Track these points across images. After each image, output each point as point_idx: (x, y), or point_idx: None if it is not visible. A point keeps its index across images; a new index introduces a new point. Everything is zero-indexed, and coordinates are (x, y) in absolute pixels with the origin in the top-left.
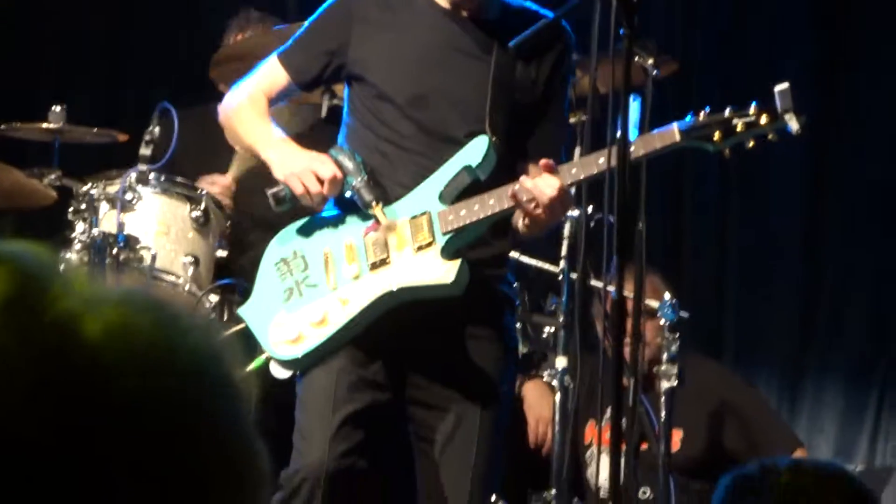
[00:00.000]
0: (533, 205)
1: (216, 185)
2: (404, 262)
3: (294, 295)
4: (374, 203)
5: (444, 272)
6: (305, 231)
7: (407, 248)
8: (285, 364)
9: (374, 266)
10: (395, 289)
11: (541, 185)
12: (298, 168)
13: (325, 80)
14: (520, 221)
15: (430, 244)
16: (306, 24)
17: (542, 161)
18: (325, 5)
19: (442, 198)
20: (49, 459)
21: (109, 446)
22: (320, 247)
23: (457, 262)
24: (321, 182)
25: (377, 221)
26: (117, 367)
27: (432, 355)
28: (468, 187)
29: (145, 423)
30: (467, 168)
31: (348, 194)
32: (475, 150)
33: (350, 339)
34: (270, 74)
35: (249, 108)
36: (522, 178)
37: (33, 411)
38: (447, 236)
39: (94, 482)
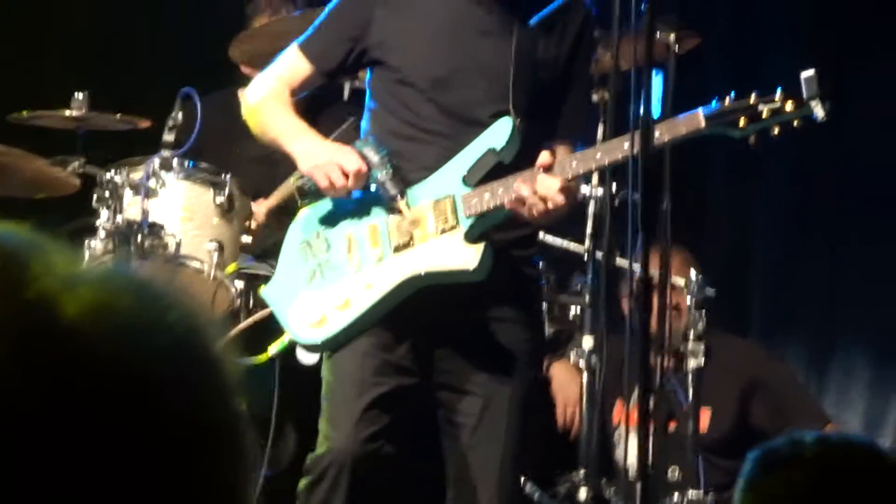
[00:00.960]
0: (532, 208)
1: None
2: (428, 245)
3: (317, 276)
4: (398, 197)
5: (467, 257)
6: (329, 213)
7: (430, 231)
8: (308, 347)
9: (397, 249)
10: (418, 272)
11: (540, 190)
12: (323, 161)
13: (348, 67)
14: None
15: (453, 227)
16: (325, 10)
17: (540, 160)
18: None
19: (466, 181)
20: (28, 433)
21: (87, 420)
22: (343, 229)
23: (480, 246)
24: (346, 175)
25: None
26: (95, 345)
27: (459, 338)
28: (492, 170)
29: (124, 398)
30: (491, 150)
31: (373, 188)
32: (499, 133)
33: (374, 322)
34: (292, 65)
35: (272, 99)
36: (518, 185)
37: (10, 386)
38: (471, 220)
39: (74, 454)
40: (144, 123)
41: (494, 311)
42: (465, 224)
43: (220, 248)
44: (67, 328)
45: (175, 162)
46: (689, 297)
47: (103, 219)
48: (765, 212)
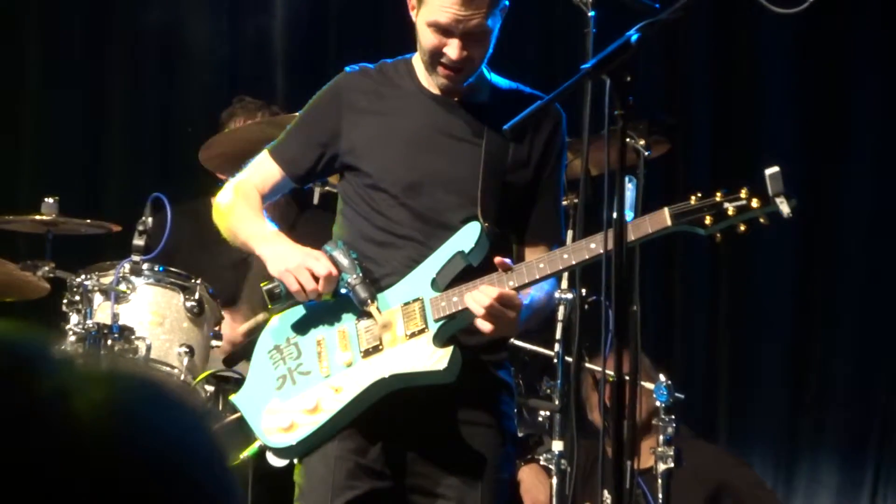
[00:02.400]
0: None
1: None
2: (397, 349)
3: (287, 382)
4: (369, 301)
5: (436, 359)
6: (299, 319)
7: (399, 335)
8: (279, 452)
9: (366, 353)
10: (387, 376)
11: (476, 296)
12: (293, 264)
13: (318, 172)
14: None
15: (422, 331)
16: (298, 116)
17: (496, 259)
18: (314, 97)
19: (435, 284)
20: None
21: None
22: (313, 334)
23: (449, 349)
24: (316, 279)
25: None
26: (103, 443)
27: (431, 442)
28: (461, 273)
29: (134, 494)
30: (460, 254)
31: (343, 291)
32: (467, 236)
33: (345, 426)
34: (263, 169)
35: (243, 203)
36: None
37: (21, 482)
38: (439, 323)
39: None
40: (115, 228)
41: (466, 415)
42: (433, 327)
43: (191, 352)
44: (78, 426)
45: (145, 266)
46: (657, 402)
47: (73, 322)
48: (728, 316)
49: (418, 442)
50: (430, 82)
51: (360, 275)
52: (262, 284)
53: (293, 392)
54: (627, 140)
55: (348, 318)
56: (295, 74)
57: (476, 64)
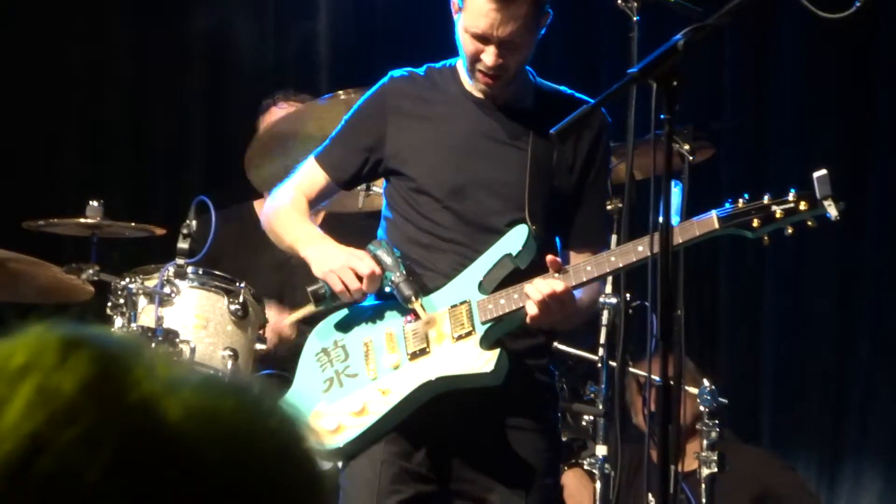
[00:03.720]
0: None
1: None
2: (444, 351)
3: (334, 385)
4: (413, 298)
5: (483, 362)
6: (346, 321)
7: (446, 337)
8: (325, 454)
9: (413, 356)
10: (434, 378)
11: (538, 284)
12: (337, 265)
13: (364, 176)
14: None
15: (469, 333)
16: (342, 121)
17: (549, 258)
18: (359, 101)
19: (482, 287)
20: None
21: None
22: (360, 337)
23: (496, 352)
24: (360, 278)
25: (417, 315)
26: (198, 448)
27: (476, 447)
28: (508, 276)
29: (225, 502)
30: (508, 256)
31: (388, 289)
32: (515, 239)
33: (391, 429)
34: (309, 175)
35: (289, 209)
36: (528, 288)
37: (115, 488)
38: (486, 325)
39: None
40: (159, 231)
41: (511, 420)
42: (480, 330)
43: (235, 355)
44: (170, 432)
45: (189, 270)
46: (701, 406)
47: (117, 326)
48: (773, 320)
49: (463, 446)
50: (474, 87)
51: (404, 272)
52: (308, 287)
53: (340, 394)
54: (673, 145)
55: (395, 321)
56: (341, 80)
57: (511, 72)
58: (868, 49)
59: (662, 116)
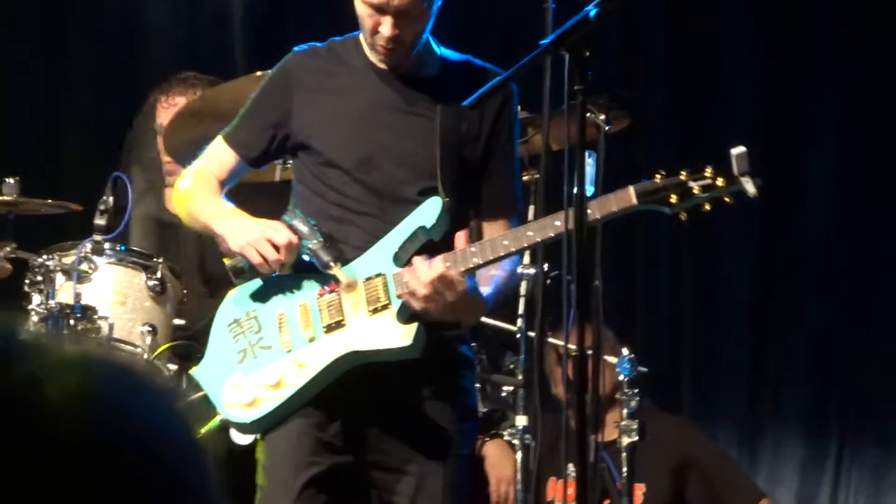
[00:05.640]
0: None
1: None
2: (360, 324)
3: (248, 357)
4: (332, 263)
5: (399, 336)
6: (259, 292)
7: (362, 310)
8: (241, 427)
9: (329, 328)
10: (350, 351)
11: (417, 273)
12: (253, 237)
13: (272, 153)
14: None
15: (385, 307)
16: (248, 100)
17: (457, 236)
18: (264, 80)
19: (397, 259)
20: None
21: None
22: (274, 308)
23: (413, 326)
24: (277, 249)
25: (334, 282)
26: (77, 429)
27: (392, 417)
28: (423, 248)
29: (106, 482)
30: (422, 229)
31: (306, 258)
32: (429, 211)
33: (308, 402)
34: (218, 155)
35: (199, 187)
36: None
37: None
38: (402, 299)
39: None
40: (76, 207)
41: (427, 391)
42: (396, 303)
43: (154, 331)
44: (50, 412)
45: (107, 246)
46: (621, 375)
47: (35, 303)
48: (691, 289)
49: (378, 417)
50: (375, 57)
51: (321, 239)
52: (224, 260)
53: (255, 366)
54: (587, 115)
55: (309, 293)
56: (253, 56)
57: (409, 43)
58: (787, 17)
59: (575, 87)
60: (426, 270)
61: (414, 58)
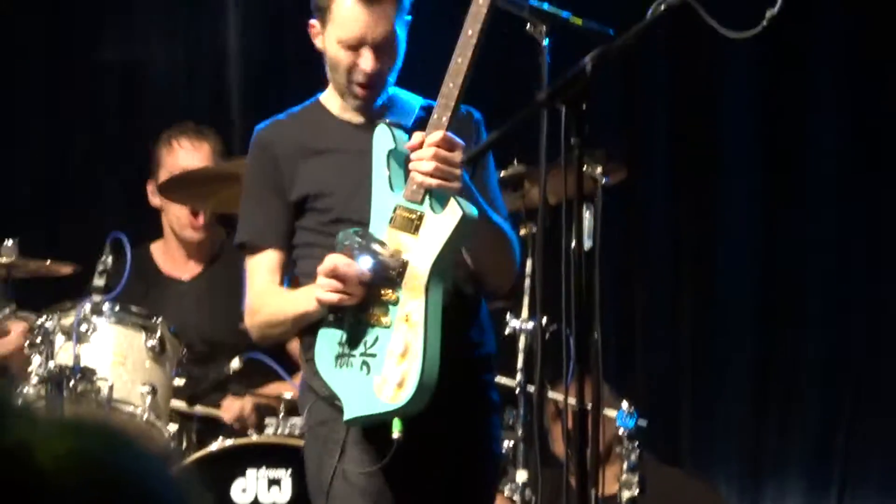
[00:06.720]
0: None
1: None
2: (418, 246)
3: (370, 363)
4: (379, 247)
5: (449, 216)
6: (325, 324)
7: (409, 240)
8: (410, 405)
9: (400, 276)
10: (431, 266)
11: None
12: (317, 291)
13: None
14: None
15: (421, 217)
16: (244, 199)
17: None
18: (247, 171)
19: (393, 188)
20: None
21: None
22: (355, 317)
23: (450, 201)
24: (340, 279)
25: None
26: (68, 494)
27: (424, 460)
28: (404, 167)
29: None
30: (390, 152)
31: (369, 264)
32: (382, 139)
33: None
34: (258, 267)
35: (267, 303)
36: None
37: None
38: (426, 200)
39: None
40: (74, 269)
41: (463, 437)
42: (425, 206)
43: (153, 392)
44: (42, 477)
45: (106, 306)
46: (620, 428)
47: (35, 364)
48: (691, 341)
49: (418, 462)
50: (347, 115)
51: (358, 240)
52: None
53: (380, 362)
54: (584, 168)
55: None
56: (251, 109)
57: (385, 78)
58: (785, 63)
59: (572, 140)
60: (419, 151)
61: (385, 106)
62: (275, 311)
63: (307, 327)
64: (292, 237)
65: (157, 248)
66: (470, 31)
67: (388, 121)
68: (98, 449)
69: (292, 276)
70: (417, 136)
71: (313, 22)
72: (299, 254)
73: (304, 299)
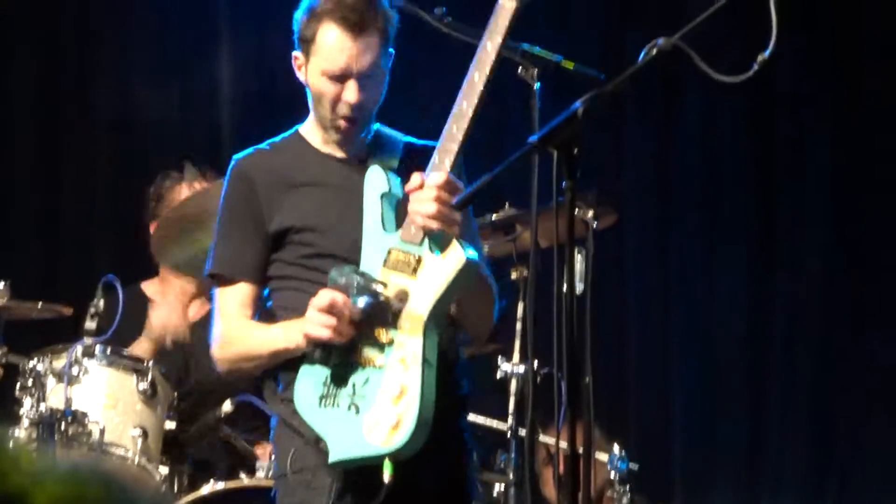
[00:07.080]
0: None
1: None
2: (417, 287)
3: (358, 404)
4: (380, 288)
5: (452, 260)
6: (308, 362)
7: (408, 281)
8: (405, 449)
9: (395, 318)
10: (430, 310)
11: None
12: (307, 326)
13: (266, 261)
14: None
15: (418, 260)
16: (217, 228)
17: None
18: (223, 199)
19: (387, 229)
20: None
21: None
22: (346, 357)
23: (451, 242)
24: (332, 314)
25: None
26: None
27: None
28: (396, 210)
29: None
30: (384, 195)
31: (366, 302)
32: (376, 180)
33: (435, 393)
34: (233, 298)
35: (237, 335)
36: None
37: None
38: (424, 241)
39: None
40: (66, 311)
41: (439, 481)
42: (423, 249)
43: (145, 435)
44: None
45: (97, 349)
46: (612, 472)
47: (27, 407)
48: (682, 384)
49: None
50: (328, 148)
51: (359, 280)
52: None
53: (370, 402)
54: (576, 212)
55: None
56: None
57: (369, 111)
58: (770, 112)
59: (564, 185)
60: (419, 193)
61: (363, 142)
62: (251, 345)
63: (284, 365)
64: (266, 270)
65: (148, 287)
66: (476, 77)
67: (379, 163)
68: (94, 495)
69: (264, 308)
70: (416, 177)
71: (297, 53)
72: (275, 286)
73: (287, 334)
